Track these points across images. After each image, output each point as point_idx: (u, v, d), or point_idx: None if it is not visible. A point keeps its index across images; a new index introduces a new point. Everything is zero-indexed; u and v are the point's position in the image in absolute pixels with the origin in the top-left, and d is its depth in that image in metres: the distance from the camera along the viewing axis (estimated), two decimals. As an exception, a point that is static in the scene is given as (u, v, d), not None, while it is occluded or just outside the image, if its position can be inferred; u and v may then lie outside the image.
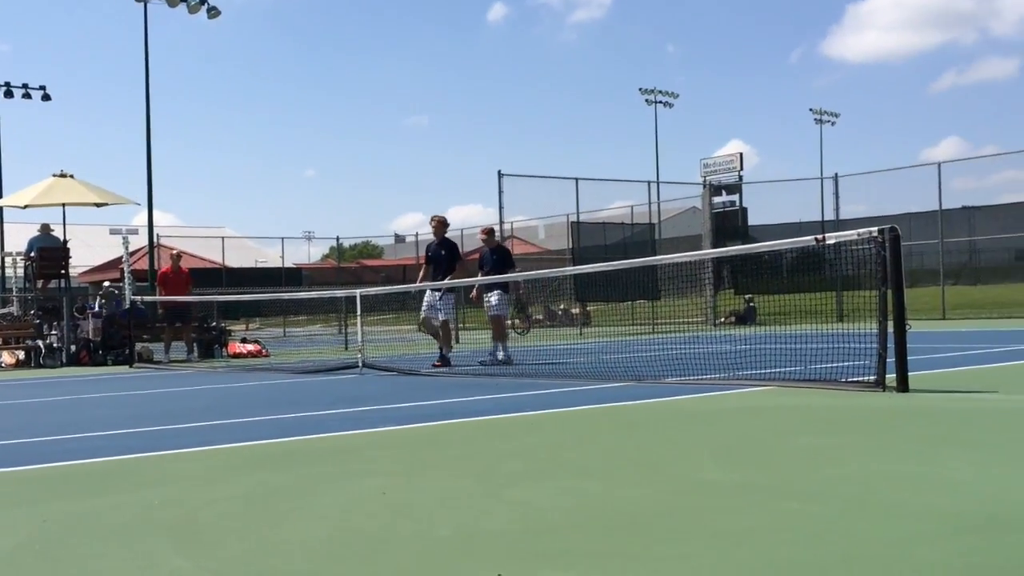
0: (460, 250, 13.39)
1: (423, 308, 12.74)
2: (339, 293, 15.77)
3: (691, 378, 8.76)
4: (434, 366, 12.06)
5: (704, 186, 25.67)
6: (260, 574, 2.84)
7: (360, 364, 11.89)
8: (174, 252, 18.80)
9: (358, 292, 12.62)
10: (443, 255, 12.80)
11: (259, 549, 3.16)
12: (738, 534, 3.11)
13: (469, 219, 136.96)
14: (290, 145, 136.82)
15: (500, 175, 21.20)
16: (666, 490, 3.92)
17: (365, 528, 3.41)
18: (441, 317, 12.64)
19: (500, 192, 21.26)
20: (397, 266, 41.08)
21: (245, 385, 10.91)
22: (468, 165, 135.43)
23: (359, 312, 12.56)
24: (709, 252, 17.73)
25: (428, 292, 12.69)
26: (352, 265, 44.01)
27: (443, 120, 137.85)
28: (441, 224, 12.79)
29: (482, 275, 12.94)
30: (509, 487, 4.07)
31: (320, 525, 3.47)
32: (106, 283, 19.55)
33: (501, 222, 22.26)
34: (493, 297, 12.71)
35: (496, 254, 13.03)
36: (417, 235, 36.92)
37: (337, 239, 37.95)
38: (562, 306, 26.01)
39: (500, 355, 12.40)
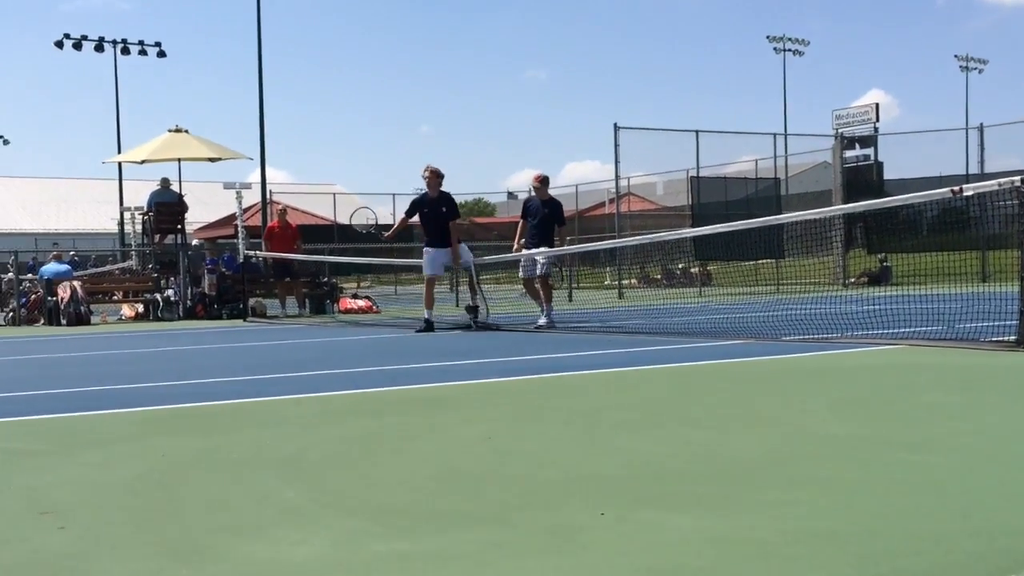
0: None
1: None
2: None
3: (814, 336, 8.62)
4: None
5: (836, 138, 24.96)
6: (366, 506, 2.98)
7: (471, 321, 12.08)
8: (280, 207, 19.32)
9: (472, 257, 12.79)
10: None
11: (364, 485, 3.31)
12: (853, 483, 3.10)
13: (586, 176, 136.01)
14: (405, 101, 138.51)
15: (616, 128, 21.05)
16: (779, 441, 3.92)
17: (470, 469, 3.54)
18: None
19: (616, 146, 21.12)
20: (510, 223, 41.32)
21: (355, 339, 11.24)
22: (586, 120, 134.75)
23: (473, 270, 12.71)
24: (840, 208, 17.28)
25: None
26: (464, 223, 44.41)
27: (561, 74, 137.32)
28: (435, 175, 11.87)
29: (525, 225, 12.28)
30: (617, 435, 4.14)
31: (425, 465, 3.61)
32: (195, 241, 20.26)
33: (617, 177, 22.15)
34: (540, 256, 12.04)
35: (548, 207, 12.20)
36: (530, 192, 37.01)
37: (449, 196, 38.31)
38: (680, 265, 25.77)
39: (542, 320, 11.67)
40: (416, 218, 12.14)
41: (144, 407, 5.47)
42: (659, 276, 26.23)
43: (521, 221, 12.52)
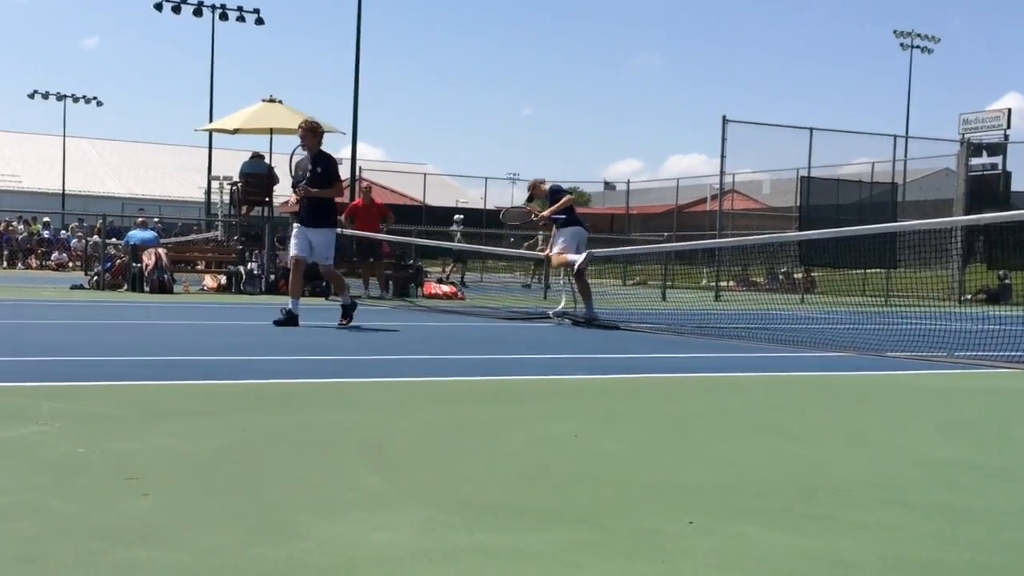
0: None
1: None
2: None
3: (924, 353, 8.45)
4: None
5: (961, 144, 24.28)
6: (449, 497, 3.05)
7: (560, 314, 12.12)
8: (364, 185, 19.50)
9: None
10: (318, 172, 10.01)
11: (449, 476, 3.38)
12: (960, 511, 3.06)
13: (690, 169, 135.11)
14: (509, 81, 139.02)
15: (724, 121, 20.80)
16: (881, 461, 3.88)
17: (557, 466, 3.58)
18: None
19: (723, 140, 20.86)
20: (604, 215, 41.25)
21: (440, 325, 11.38)
22: (695, 111, 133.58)
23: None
24: (961, 219, 16.86)
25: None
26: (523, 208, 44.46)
27: (675, 60, 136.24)
28: (311, 130, 10.06)
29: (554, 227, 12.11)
30: (709, 443, 4.14)
31: (511, 460, 3.67)
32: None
33: (722, 173, 21.90)
34: (559, 244, 11.76)
35: (551, 198, 12.18)
36: (629, 183, 36.84)
37: (544, 182, 38.38)
38: (784, 269, 25.42)
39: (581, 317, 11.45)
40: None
41: (226, 380, 5.66)
42: (761, 279, 25.91)
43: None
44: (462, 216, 29.40)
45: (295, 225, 10.26)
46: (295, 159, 10.13)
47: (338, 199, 11.40)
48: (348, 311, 10.13)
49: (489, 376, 6.35)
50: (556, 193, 12.24)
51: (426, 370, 6.61)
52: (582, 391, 5.89)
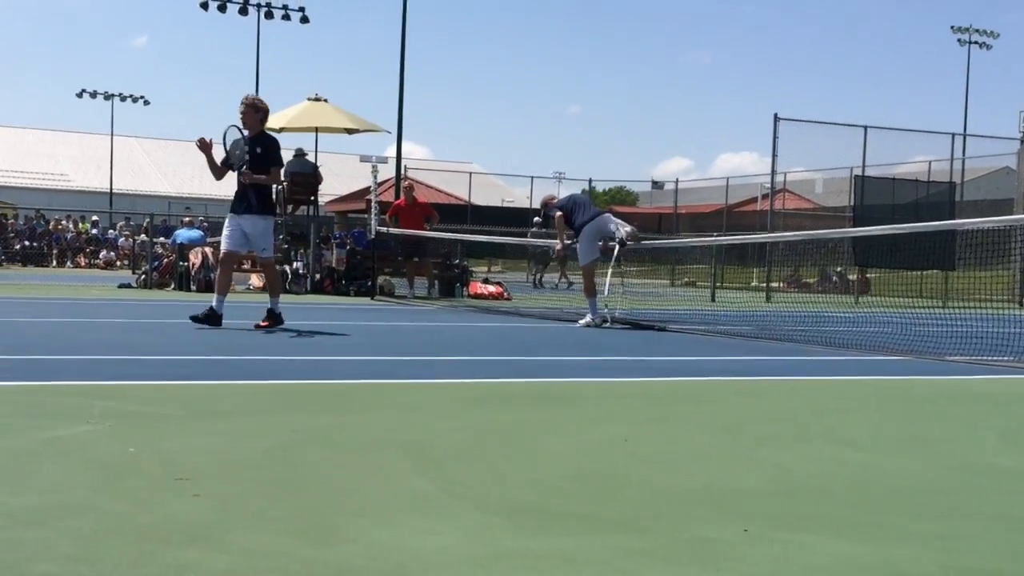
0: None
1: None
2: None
3: (984, 357, 8.32)
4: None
5: (1022, 142, 23.87)
6: (497, 501, 3.06)
7: (607, 316, 12.10)
8: (406, 184, 19.51)
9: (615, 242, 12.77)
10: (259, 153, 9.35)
11: (495, 479, 3.39)
12: (1022, 520, 3.01)
13: (740, 168, 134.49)
14: (556, 79, 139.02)
15: (776, 119, 20.65)
16: (941, 468, 3.83)
17: (605, 471, 3.57)
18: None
19: (775, 138, 20.71)
20: (652, 214, 41.12)
21: (486, 326, 11.40)
22: (746, 108, 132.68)
23: (611, 261, 12.72)
24: (1021, 218, 16.52)
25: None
26: (604, 211, 44.39)
27: (726, 57, 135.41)
28: (253, 107, 9.31)
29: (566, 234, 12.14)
30: (761, 448, 4.11)
31: (558, 463, 3.67)
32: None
33: (774, 172, 21.73)
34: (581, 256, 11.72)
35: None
36: (677, 182, 36.66)
37: (590, 181, 38.45)
38: (838, 269, 25.16)
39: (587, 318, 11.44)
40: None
41: (272, 380, 5.71)
42: (812, 280, 25.66)
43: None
44: (539, 219, 29.57)
45: (228, 216, 9.36)
46: (229, 138, 9.35)
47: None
48: (273, 317, 9.25)
49: (536, 378, 6.36)
50: (549, 218, 12.36)
51: (472, 372, 6.63)
52: (631, 394, 5.87)
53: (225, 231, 9.29)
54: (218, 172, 9.32)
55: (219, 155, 9.27)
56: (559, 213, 11.80)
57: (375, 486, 3.22)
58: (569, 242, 12.11)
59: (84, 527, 2.62)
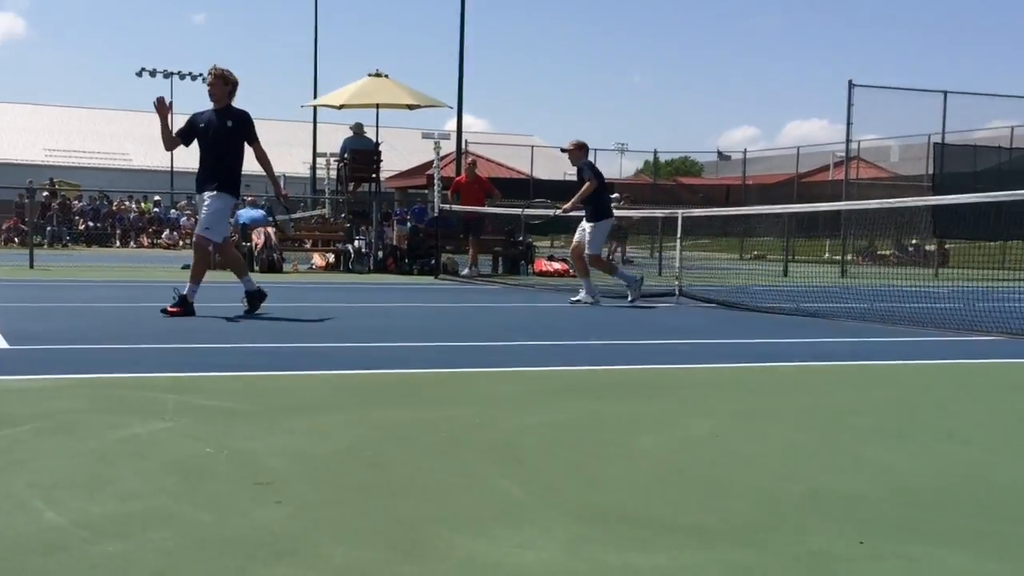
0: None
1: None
2: (658, 213, 15.82)
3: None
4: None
5: (1110, 104, 23.08)
6: (591, 508, 2.94)
7: (677, 292, 11.92)
8: (469, 160, 19.40)
9: (680, 212, 12.58)
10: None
11: (585, 482, 3.27)
12: None
13: (810, 136, 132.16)
14: (617, 47, 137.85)
15: (851, 86, 20.17)
16: (1062, 468, 3.63)
17: (701, 472, 3.44)
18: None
19: (849, 106, 20.23)
20: (718, 186, 40.62)
21: (554, 306, 11.27)
22: (814, 74, 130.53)
23: (679, 236, 12.54)
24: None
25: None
26: (668, 182, 43.94)
27: (792, 22, 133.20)
28: (221, 78, 8.73)
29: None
30: (862, 445, 3.94)
31: (647, 463, 3.54)
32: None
33: (848, 140, 21.27)
34: (588, 232, 11.35)
35: (577, 175, 11.69)
36: (745, 152, 36.15)
37: (655, 153, 38.07)
38: (914, 241, 24.63)
39: (581, 295, 11.25)
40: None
41: (347, 370, 5.65)
42: (887, 252, 25.14)
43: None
44: (618, 195, 29.48)
45: (205, 196, 8.71)
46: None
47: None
48: (253, 296, 8.86)
49: (615, 365, 6.22)
50: (583, 172, 11.45)
51: (549, 358, 6.51)
52: (714, 382, 5.72)
53: (211, 213, 8.69)
54: (170, 142, 8.77)
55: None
56: (595, 184, 11.29)
57: (463, 491, 3.12)
58: (574, 212, 11.83)
59: (168, 540, 2.56)
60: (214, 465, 3.34)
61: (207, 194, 8.57)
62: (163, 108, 8.52)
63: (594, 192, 11.21)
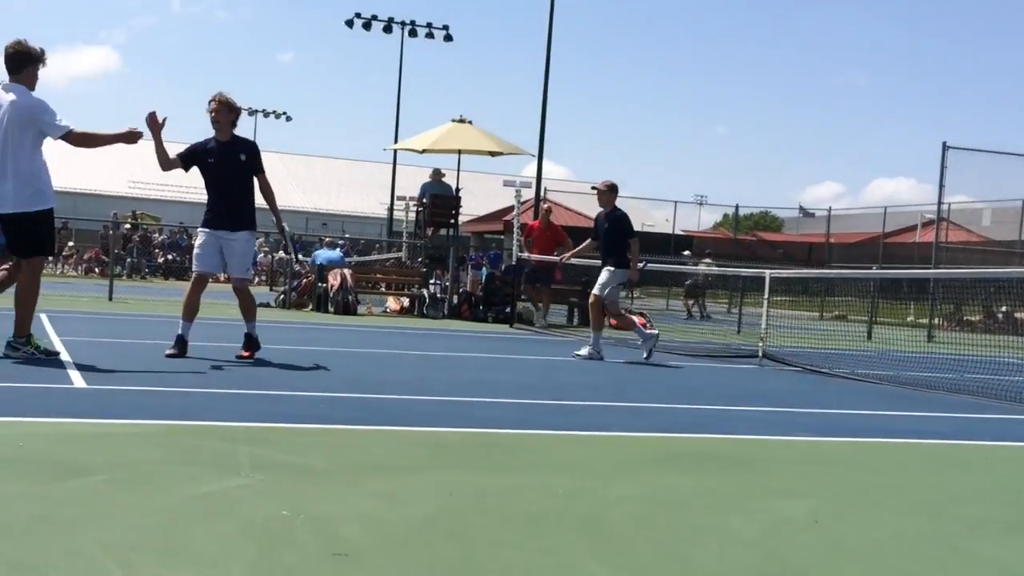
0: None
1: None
2: (744, 272, 15.55)
3: None
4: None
5: None
6: (688, 600, 2.77)
7: (760, 354, 11.65)
8: (545, 207, 19.25)
9: (768, 273, 12.35)
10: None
11: (680, 566, 3.11)
12: None
13: (895, 195, 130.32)
14: (702, 99, 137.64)
15: (945, 148, 19.75)
16: None
17: (800, 563, 3.25)
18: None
19: (943, 168, 19.79)
20: (800, 243, 40.04)
21: (632, 364, 11.06)
22: (902, 133, 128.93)
23: (766, 296, 12.28)
24: None
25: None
26: (748, 237, 43.44)
27: (883, 80, 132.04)
28: (226, 106, 8.29)
29: (589, 245, 11.84)
30: (974, 538, 3.71)
31: (743, 552, 3.36)
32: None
33: (940, 202, 20.81)
34: (604, 273, 11.17)
35: (609, 221, 11.33)
36: (830, 210, 35.56)
37: (736, 207, 37.62)
38: (1004, 308, 23.93)
39: (584, 350, 10.94)
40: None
41: (425, 427, 5.53)
42: (976, 319, 24.45)
43: (589, 240, 11.88)
44: (711, 252, 29.67)
45: (201, 231, 8.46)
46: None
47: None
48: (251, 343, 8.57)
49: (702, 434, 6.03)
50: (623, 223, 11.33)
51: (631, 423, 6.33)
52: (808, 458, 5.50)
53: (198, 249, 8.47)
54: (167, 163, 8.27)
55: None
56: (639, 241, 11.45)
57: (548, 571, 2.97)
58: (640, 266, 11.74)
59: (243, 616, 2.45)
60: (291, 531, 3.24)
61: (239, 234, 8.39)
62: (155, 125, 7.95)
63: (625, 242, 11.20)
